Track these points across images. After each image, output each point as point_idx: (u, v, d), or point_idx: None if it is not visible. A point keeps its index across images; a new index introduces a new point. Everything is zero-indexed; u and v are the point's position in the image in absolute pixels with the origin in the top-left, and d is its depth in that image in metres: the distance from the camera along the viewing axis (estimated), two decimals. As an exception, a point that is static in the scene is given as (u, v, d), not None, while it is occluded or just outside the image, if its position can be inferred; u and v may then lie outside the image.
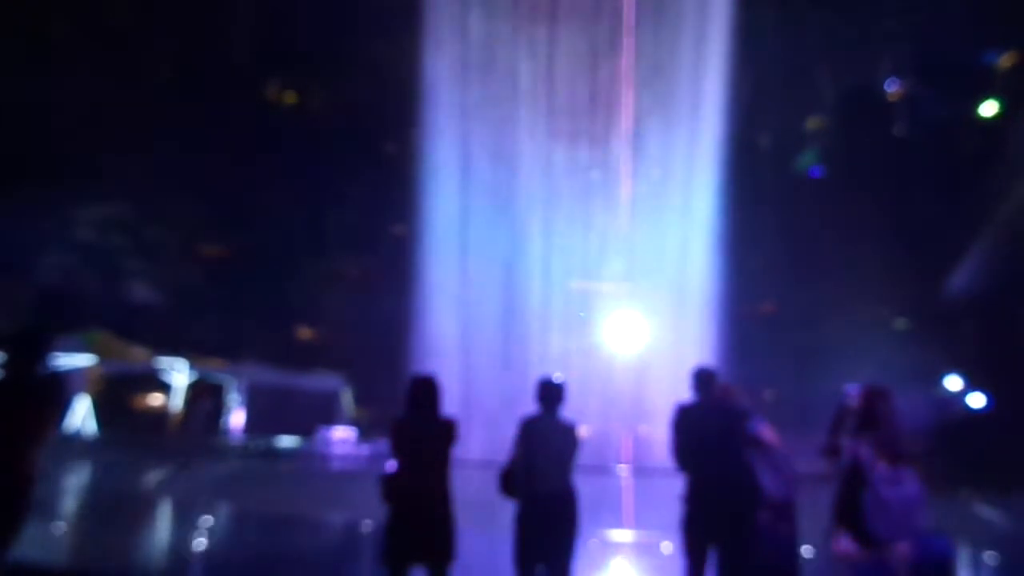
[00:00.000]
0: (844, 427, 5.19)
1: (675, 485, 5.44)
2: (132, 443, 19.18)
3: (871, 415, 5.08)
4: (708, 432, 5.34)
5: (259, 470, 18.25)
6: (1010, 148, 23.72)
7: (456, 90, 23.25)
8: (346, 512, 11.07)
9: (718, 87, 22.46)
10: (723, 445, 5.32)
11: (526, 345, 21.21)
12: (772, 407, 18.34)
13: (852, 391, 5.25)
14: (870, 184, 23.77)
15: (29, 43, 23.40)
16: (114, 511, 10.61)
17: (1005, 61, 25.55)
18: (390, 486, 5.00)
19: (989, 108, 25.33)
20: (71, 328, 20.29)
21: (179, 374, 22.50)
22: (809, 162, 26.95)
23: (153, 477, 14.31)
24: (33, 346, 4.72)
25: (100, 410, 21.34)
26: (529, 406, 5.47)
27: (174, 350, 22.40)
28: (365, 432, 21.26)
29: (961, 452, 16.87)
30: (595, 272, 22.59)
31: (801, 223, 24.00)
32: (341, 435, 21.12)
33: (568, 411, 5.45)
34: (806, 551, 5.79)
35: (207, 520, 10.43)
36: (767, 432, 5.79)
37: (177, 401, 22.50)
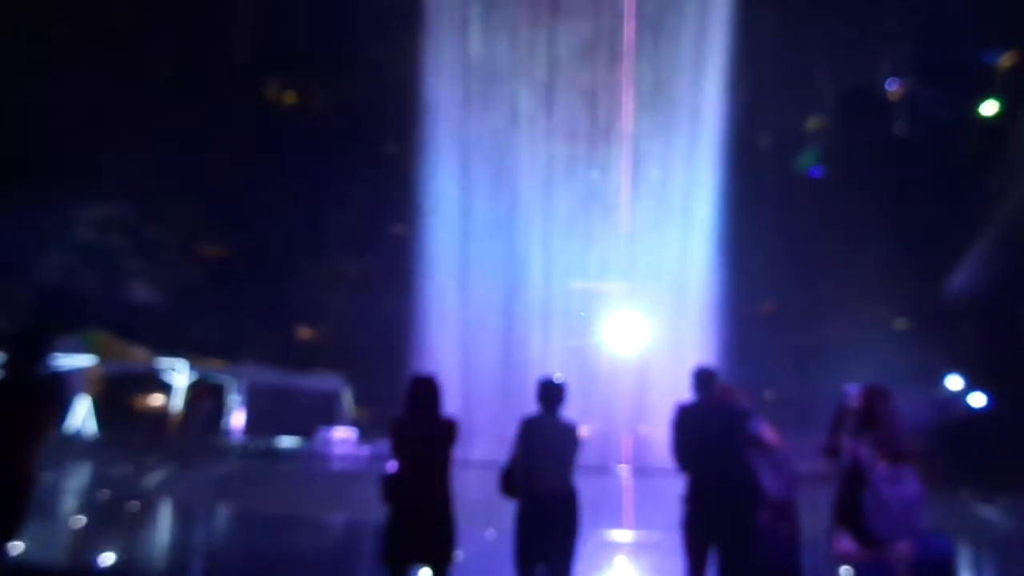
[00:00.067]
0: (844, 427, 5.19)
1: (675, 485, 5.44)
2: (132, 443, 19.17)
3: (871, 415, 5.08)
4: (708, 432, 5.34)
5: (259, 470, 18.25)
6: (1010, 148, 23.72)
7: (456, 90, 23.27)
8: (346, 512, 11.07)
9: (718, 87, 22.48)
10: (723, 445, 5.32)
11: (526, 345, 21.22)
12: (772, 407, 18.34)
13: (852, 391, 5.25)
14: (870, 184, 23.78)
15: (29, 43, 23.40)
16: (114, 511, 10.61)
17: (1005, 61, 25.55)
18: (390, 486, 5.00)
19: (989, 108, 25.34)
20: (71, 328, 20.29)
21: (179, 374, 22.50)
22: (809, 162, 26.95)
23: (153, 477, 14.31)
24: (33, 346, 4.72)
25: (100, 410, 21.34)
26: (529, 406, 5.47)
27: (174, 350, 22.40)
28: (365, 432, 21.26)
29: (961, 452, 16.88)
30: (595, 272, 22.59)
31: (801, 223, 24.01)
32: (341, 435, 21.12)
33: (568, 411, 5.45)
34: (806, 551, 5.79)
35: (207, 521, 10.44)
36: (767, 432, 5.79)
37: (177, 401, 22.50)
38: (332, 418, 22.98)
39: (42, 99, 21.86)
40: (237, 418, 23.30)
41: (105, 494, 11.40)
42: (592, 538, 7.03)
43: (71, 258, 25.01)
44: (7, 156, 21.76)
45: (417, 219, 22.90)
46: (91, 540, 8.95)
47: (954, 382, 23.39)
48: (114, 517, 10.20)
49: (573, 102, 23.05)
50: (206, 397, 23.72)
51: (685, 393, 5.52)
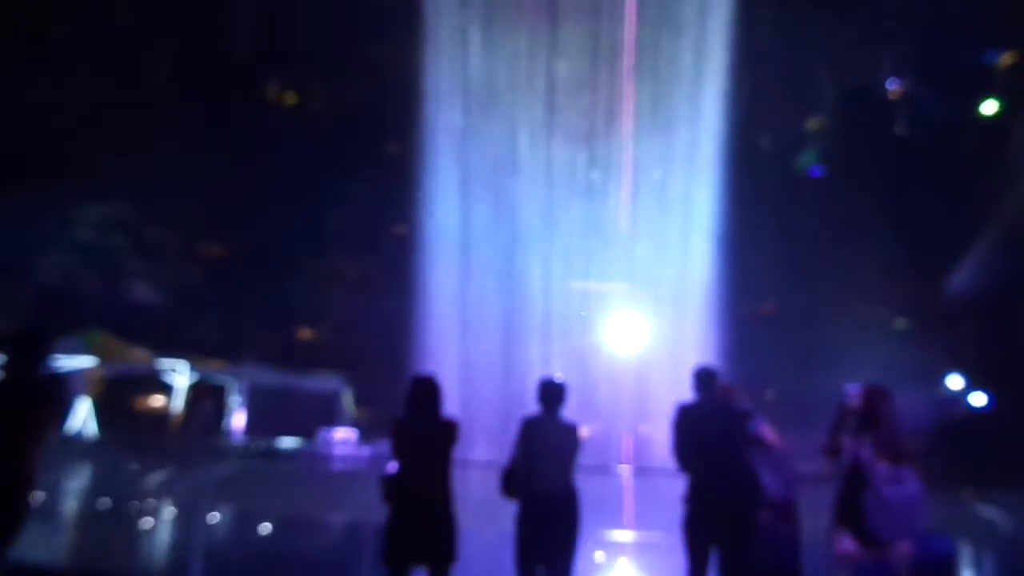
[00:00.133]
0: (845, 427, 5.19)
1: (676, 485, 5.44)
2: (133, 444, 19.17)
3: (872, 415, 5.08)
4: (709, 432, 5.34)
5: (260, 471, 18.25)
6: (1010, 148, 23.72)
7: (456, 90, 23.28)
8: (347, 513, 11.06)
9: (718, 87, 22.49)
10: (724, 445, 5.32)
11: (526, 345, 21.22)
12: (772, 407, 18.33)
13: (852, 391, 5.25)
14: (870, 184, 23.77)
15: (29, 43, 23.40)
16: (114, 512, 10.61)
17: (1005, 60, 25.56)
18: (391, 487, 4.99)
19: (989, 108, 25.34)
20: (71, 328, 20.29)
21: (180, 375, 22.50)
22: (809, 162, 26.94)
23: (154, 478, 14.30)
24: (33, 347, 4.72)
25: (101, 411, 21.34)
26: (530, 406, 5.47)
27: (175, 351, 22.39)
28: (366, 433, 21.25)
29: (962, 452, 16.88)
30: (595, 272, 22.59)
31: (801, 223, 23.99)
32: (342, 436, 21.11)
33: (569, 411, 5.44)
34: (807, 551, 5.79)
35: (208, 520, 10.43)
36: (768, 432, 5.79)
37: (178, 402, 22.49)
38: (332, 419, 22.97)
39: (42, 99, 21.86)
40: (237, 419, 23.29)
41: (105, 501, 11.38)
42: (593, 538, 7.03)
43: (71, 258, 25.01)
44: (7, 156, 21.76)
45: (417, 219, 22.91)
46: (91, 540, 8.95)
47: (954, 382, 23.40)
48: (114, 518, 10.19)
49: (573, 102, 23.05)
50: (206, 398, 23.72)
51: (686, 393, 5.52)
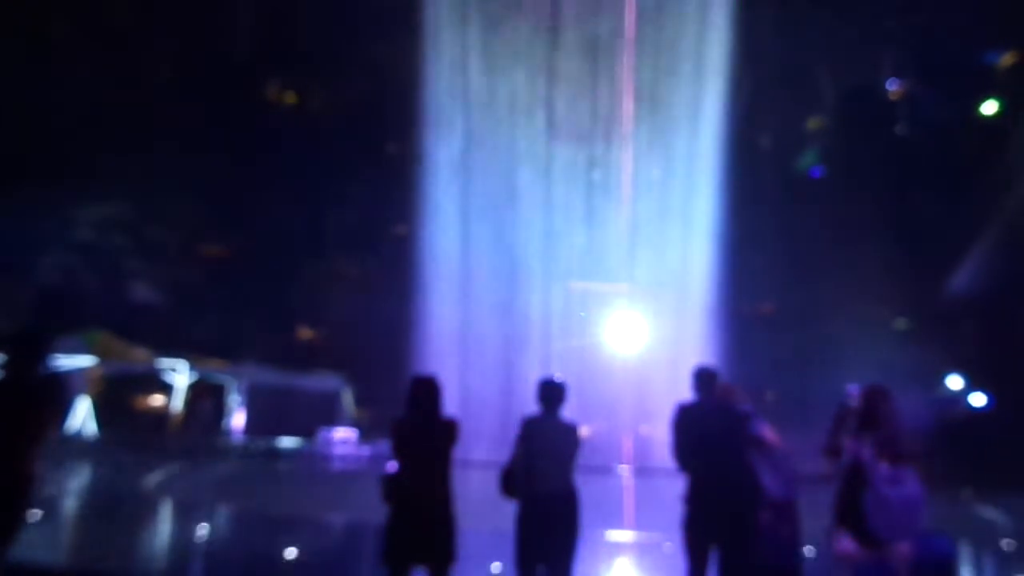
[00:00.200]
0: (845, 427, 5.19)
1: (676, 485, 5.44)
2: (133, 444, 19.17)
3: (872, 415, 5.08)
4: (709, 432, 5.33)
5: (260, 471, 18.25)
6: (1010, 148, 23.72)
7: (456, 90, 23.28)
8: (347, 513, 11.07)
9: (718, 87, 22.50)
10: (724, 445, 5.32)
11: (526, 345, 21.23)
12: (772, 407, 18.34)
13: (853, 391, 5.25)
14: (870, 184, 23.77)
15: (29, 43, 23.40)
16: (114, 511, 10.61)
17: (1005, 61, 25.56)
18: (391, 487, 4.99)
19: (989, 108, 25.34)
20: (71, 328, 20.29)
21: (179, 375, 22.50)
22: (809, 162, 26.95)
23: (154, 478, 14.30)
24: (33, 346, 4.72)
25: (100, 411, 21.35)
26: (530, 406, 5.46)
27: (174, 351, 22.40)
28: (366, 433, 21.27)
29: (962, 452, 16.88)
30: (595, 272, 22.59)
31: (801, 223, 23.99)
32: (342, 436, 21.13)
33: (569, 411, 5.44)
34: (807, 551, 5.79)
35: (207, 521, 10.44)
36: (768, 432, 5.79)
37: (178, 402, 22.50)
38: (332, 418, 22.98)
39: (42, 99, 21.86)
40: (237, 418, 23.30)
41: (105, 500, 11.38)
42: (593, 538, 7.03)
43: (71, 258, 25.01)
44: (7, 156, 21.76)
45: (417, 219, 22.92)
46: (91, 540, 8.95)
47: (954, 382, 23.40)
48: (114, 517, 10.19)
49: (574, 102, 23.06)
50: (206, 397, 23.73)
51: (686, 393, 5.52)
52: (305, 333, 28.61)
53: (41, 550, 7.16)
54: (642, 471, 18.04)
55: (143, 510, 10.70)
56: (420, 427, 5.08)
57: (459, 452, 5.08)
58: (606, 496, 12.42)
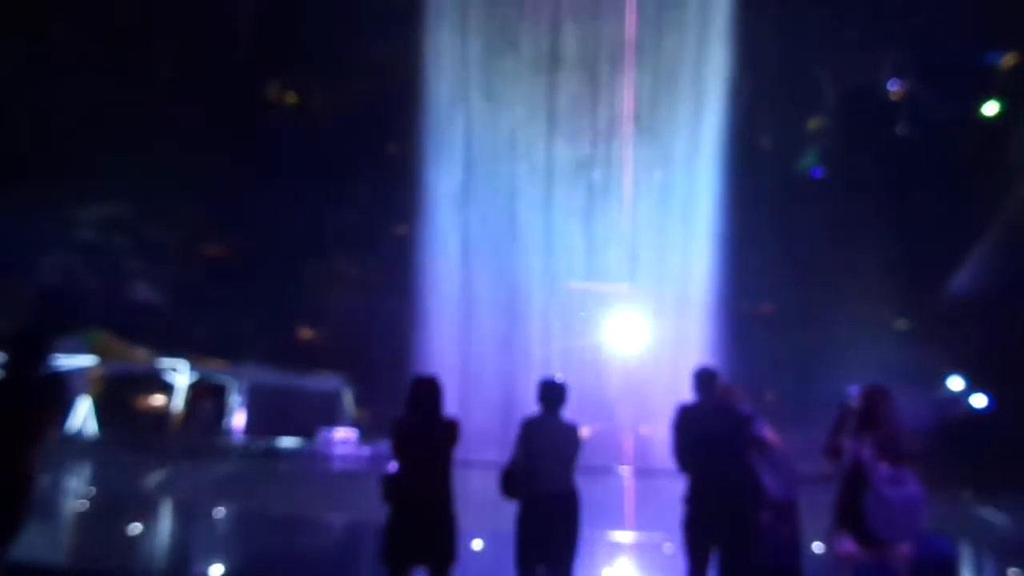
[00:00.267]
0: (845, 427, 5.19)
1: (677, 486, 5.43)
2: (133, 444, 19.17)
3: (872, 415, 5.08)
4: (709, 432, 5.33)
5: (260, 471, 18.25)
6: (1010, 149, 23.71)
7: (457, 90, 23.29)
8: (347, 513, 11.07)
9: (719, 87, 22.51)
10: (724, 445, 5.31)
11: (527, 345, 21.23)
12: (772, 407, 18.34)
13: (853, 391, 5.25)
14: (870, 184, 23.77)
15: (29, 43, 23.40)
16: (114, 511, 10.61)
17: (1006, 62, 25.55)
18: (391, 487, 4.99)
19: (990, 108, 25.33)
20: (72, 328, 20.30)
21: (180, 375, 22.51)
22: (810, 163, 26.95)
23: (154, 478, 14.31)
24: (33, 346, 4.72)
25: (101, 411, 21.35)
26: (530, 406, 5.46)
27: (175, 351, 22.40)
28: (366, 433, 21.26)
29: (962, 453, 16.88)
30: (596, 272, 22.60)
31: (801, 223, 24.00)
32: (342, 436, 21.12)
33: (569, 411, 5.44)
34: (807, 551, 5.78)
35: (208, 521, 10.44)
36: (769, 433, 5.79)
37: (178, 402, 22.50)
38: (333, 419, 22.98)
39: (42, 99, 21.86)
40: (238, 418, 23.30)
41: (105, 500, 11.38)
42: (593, 539, 7.03)
43: (71, 258, 25.01)
44: (7, 156, 21.76)
45: (418, 219, 22.92)
46: (91, 540, 8.95)
47: (955, 383, 23.38)
48: (114, 517, 10.19)
49: (574, 102, 23.07)
50: (207, 397, 23.73)
51: (686, 393, 5.51)
52: (305, 333, 28.60)
53: (41, 550, 7.16)
54: (642, 472, 18.04)
55: (143, 510, 10.70)
56: (420, 427, 5.07)
57: (459, 452, 5.08)
58: (607, 496, 12.42)
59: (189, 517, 10.83)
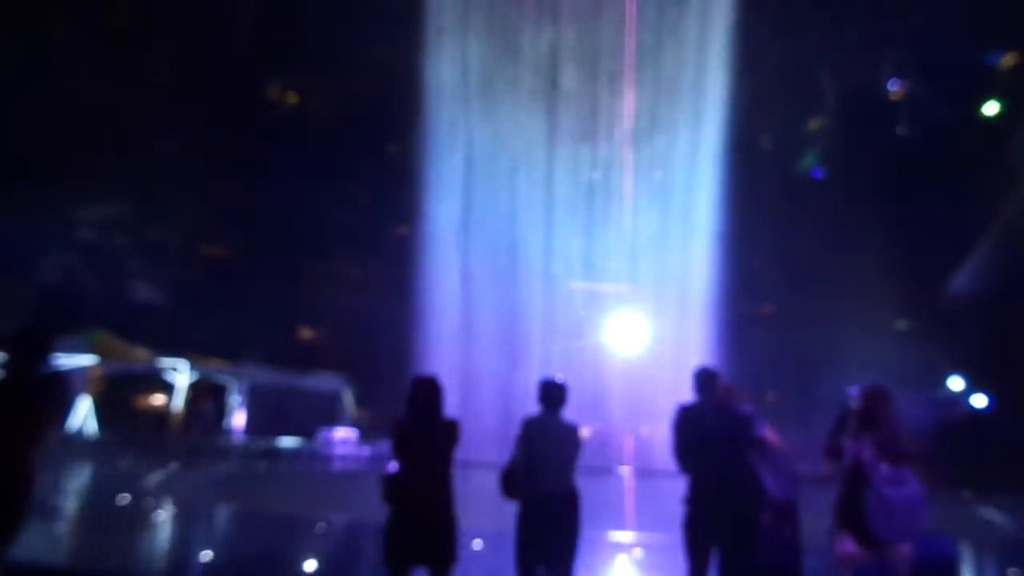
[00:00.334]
0: (846, 428, 5.19)
1: (677, 486, 5.43)
2: (133, 444, 19.17)
3: (872, 416, 5.07)
4: (710, 433, 5.32)
5: (260, 471, 18.25)
6: (1011, 149, 23.70)
7: (457, 90, 23.28)
8: (347, 513, 11.06)
9: (719, 87, 22.51)
10: (725, 446, 5.31)
11: (527, 345, 21.23)
12: (772, 407, 18.34)
13: (853, 392, 5.25)
14: (870, 184, 23.76)
15: (29, 43, 23.40)
16: (114, 511, 10.60)
17: (1007, 62, 25.55)
18: (391, 487, 4.99)
19: (990, 109, 25.33)
20: (72, 328, 20.29)
21: (180, 374, 22.51)
22: (810, 163, 26.95)
23: (154, 477, 14.30)
24: (34, 346, 4.71)
25: (101, 410, 21.35)
26: (531, 407, 5.46)
27: (175, 350, 22.40)
28: (366, 433, 21.26)
29: (963, 453, 16.87)
30: (596, 273, 22.60)
31: (801, 223, 23.99)
32: (342, 436, 21.12)
33: (570, 412, 5.44)
34: (808, 552, 5.78)
35: (208, 521, 10.44)
36: (769, 433, 5.79)
37: (178, 401, 22.50)
38: (333, 419, 22.99)
39: (42, 99, 21.86)
40: (238, 418, 23.31)
41: (105, 500, 11.37)
42: (593, 539, 7.03)
43: (71, 258, 25.02)
44: (7, 156, 21.75)
45: (418, 219, 22.92)
46: (91, 540, 8.95)
47: (955, 383, 23.38)
48: (114, 517, 10.19)
49: (574, 102, 23.06)
50: (207, 397, 23.74)
51: (687, 394, 5.51)
52: (306, 333, 28.61)
53: (41, 550, 7.16)
54: (643, 472, 18.04)
55: (143, 510, 10.69)
56: (421, 428, 5.07)
57: (459, 452, 5.08)
58: (607, 497, 12.42)
59: (189, 517, 10.83)
